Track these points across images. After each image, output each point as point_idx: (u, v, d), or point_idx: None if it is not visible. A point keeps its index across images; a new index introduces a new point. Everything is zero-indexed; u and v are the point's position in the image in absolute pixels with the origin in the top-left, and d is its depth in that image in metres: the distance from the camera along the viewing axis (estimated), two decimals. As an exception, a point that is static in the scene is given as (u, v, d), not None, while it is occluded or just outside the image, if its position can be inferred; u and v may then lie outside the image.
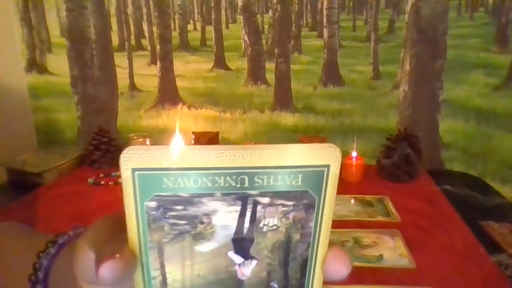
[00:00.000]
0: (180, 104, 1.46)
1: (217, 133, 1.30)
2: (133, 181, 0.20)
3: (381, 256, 0.85)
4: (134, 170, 0.20)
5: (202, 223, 0.22)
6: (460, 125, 1.36)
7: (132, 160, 0.20)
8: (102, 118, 1.47)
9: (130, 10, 1.43)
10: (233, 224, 0.22)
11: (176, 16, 1.43)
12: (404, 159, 1.20)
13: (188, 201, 0.21)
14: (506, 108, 1.33)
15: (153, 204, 0.21)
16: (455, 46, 1.32)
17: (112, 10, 1.42)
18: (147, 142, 1.30)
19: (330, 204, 0.23)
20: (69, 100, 1.47)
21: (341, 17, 1.38)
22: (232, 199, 0.21)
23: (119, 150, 1.31)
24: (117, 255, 0.21)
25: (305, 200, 0.22)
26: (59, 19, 1.43)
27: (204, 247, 0.22)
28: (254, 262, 0.23)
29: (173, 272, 0.23)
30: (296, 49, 1.41)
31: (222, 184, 0.21)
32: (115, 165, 1.30)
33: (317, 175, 0.22)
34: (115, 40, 1.44)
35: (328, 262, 0.24)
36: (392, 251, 0.87)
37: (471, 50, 1.34)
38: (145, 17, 1.43)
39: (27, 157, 1.32)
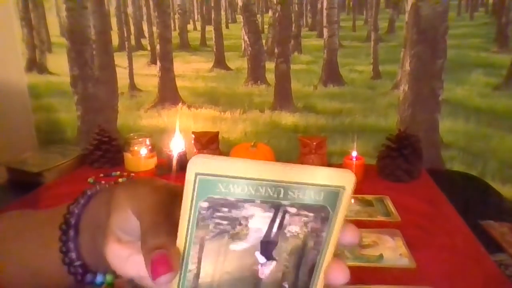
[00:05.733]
0: (180, 104, 1.46)
1: (217, 133, 1.30)
2: (194, 183, 0.24)
3: (381, 256, 0.85)
4: (197, 174, 0.23)
5: (240, 225, 0.25)
6: (460, 125, 1.36)
7: (197, 165, 0.23)
8: (102, 118, 1.47)
9: (130, 10, 1.43)
10: (264, 228, 0.26)
11: (176, 16, 1.43)
12: (404, 159, 1.20)
13: (233, 205, 0.25)
14: (506, 108, 1.33)
15: (205, 204, 0.24)
16: (455, 46, 1.32)
17: (112, 10, 1.42)
18: (147, 141, 1.30)
19: (340, 218, 0.27)
20: (69, 100, 1.47)
21: (341, 17, 1.38)
22: (268, 207, 0.25)
23: (119, 150, 1.31)
24: (172, 267, 0.24)
25: (322, 213, 0.27)
26: (59, 19, 1.43)
27: (238, 245, 0.26)
28: (274, 263, 0.27)
29: (207, 267, 0.26)
30: (296, 49, 1.41)
31: (263, 193, 0.25)
32: (115, 164, 1.31)
33: (334, 194, 0.26)
34: (115, 40, 1.44)
35: (330, 271, 0.28)
36: (392, 251, 0.87)
37: (471, 50, 1.34)
38: (145, 17, 1.43)
39: (27, 157, 1.32)
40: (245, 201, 0.24)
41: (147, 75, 1.47)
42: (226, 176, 0.24)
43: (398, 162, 1.20)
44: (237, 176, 0.24)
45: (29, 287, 0.36)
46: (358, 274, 0.80)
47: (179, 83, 1.46)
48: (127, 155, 1.28)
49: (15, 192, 1.19)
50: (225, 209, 0.24)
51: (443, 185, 1.19)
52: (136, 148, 1.28)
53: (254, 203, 0.25)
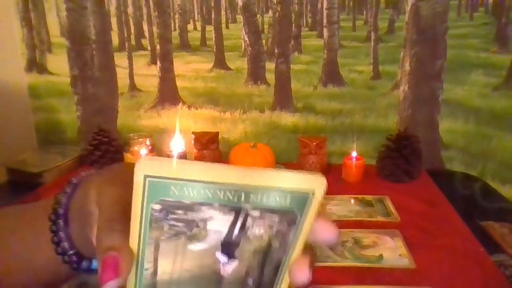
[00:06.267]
0: (180, 104, 1.46)
1: (217, 133, 1.30)
2: (143, 185, 0.23)
3: (381, 256, 0.85)
4: (146, 176, 0.23)
5: (197, 226, 0.24)
6: (460, 125, 1.36)
7: (145, 167, 0.23)
8: (102, 118, 1.47)
9: (130, 10, 1.43)
10: (225, 230, 0.25)
11: (176, 16, 1.43)
12: (404, 159, 1.20)
13: (189, 207, 0.24)
14: (506, 108, 1.33)
15: (157, 206, 0.23)
16: (455, 46, 1.32)
17: (112, 10, 1.42)
18: (147, 142, 1.30)
19: (309, 222, 0.26)
20: (69, 100, 1.47)
21: (341, 17, 1.38)
22: (228, 210, 0.24)
23: (119, 150, 1.31)
24: (120, 273, 0.24)
25: (289, 217, 0.26)
26: (59, 19, 1.43)
27: (196, 246, 0.25)
28: (236, 262, 0.26)
29: (164, 266, 0.25)
30: (296, 49, 1.41)
31: (221, 197, 0.24)
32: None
33: (303, 198, 0.25)
34: (115, 40, 1.44)
35: (292, 269, 0.28)
36: (392, 251, 0.87)
37: (471, 50, 1.34)
38: (145, 17, 1.43)
39: (27, 157, 1.32)
40: (202, 204, 0.24)
41: (147, 75, 1.47)
42: (178, 179, 0.23)
43: (398, 163, 1.21)
44: (190, 179, 0.23)
45: (27, 281, 0.36)
46: (358, 275, 0.80)
47: (179, 83, 1.46)
48: (127, 156, 1.28)
49: (14, 193, 1.19)
50: (180, 212, 0.24)
51: (442, 185, 1.20)
52: (136, 148, 1.28)
53: (212, 206, 0.24)
